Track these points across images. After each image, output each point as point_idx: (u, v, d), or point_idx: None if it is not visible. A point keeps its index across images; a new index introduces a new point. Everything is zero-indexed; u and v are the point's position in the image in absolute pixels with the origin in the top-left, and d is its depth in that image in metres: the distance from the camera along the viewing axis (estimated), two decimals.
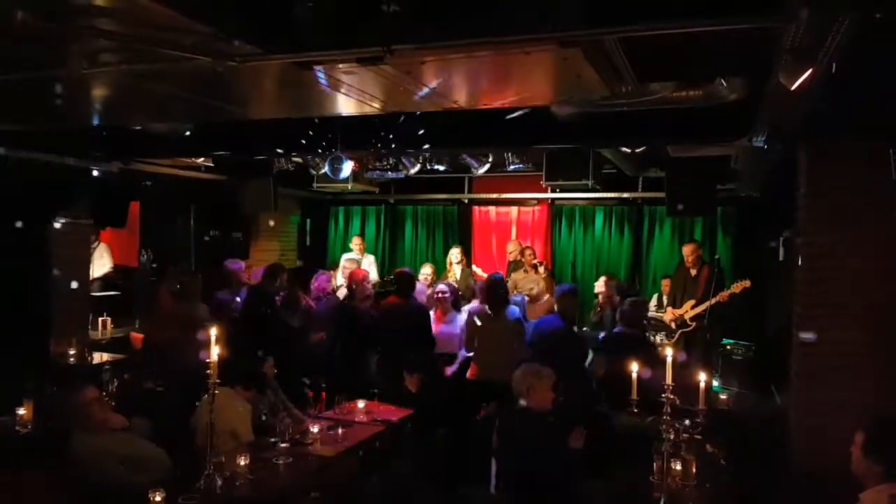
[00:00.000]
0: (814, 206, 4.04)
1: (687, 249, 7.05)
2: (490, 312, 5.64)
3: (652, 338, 6.52)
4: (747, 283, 6.47)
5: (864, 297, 3.89)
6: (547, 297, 6.69)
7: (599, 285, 7.08)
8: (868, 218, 3.90)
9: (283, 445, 3.84)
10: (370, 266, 8.53)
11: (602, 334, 6.10)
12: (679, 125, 4.42)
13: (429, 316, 6.19)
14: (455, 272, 8.00)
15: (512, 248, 8.28)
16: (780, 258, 6.11)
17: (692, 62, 3.30)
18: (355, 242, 8.76)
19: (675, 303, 6.93)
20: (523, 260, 7.84)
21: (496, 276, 6.00)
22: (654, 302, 7.38)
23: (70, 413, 3.67)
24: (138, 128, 5.59)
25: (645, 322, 6.01)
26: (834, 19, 2.17)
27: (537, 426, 3.92)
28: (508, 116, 4.41)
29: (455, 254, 8.16)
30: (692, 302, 6.72)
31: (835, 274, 3.95)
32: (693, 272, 6.89)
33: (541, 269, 7.75)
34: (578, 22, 2.47)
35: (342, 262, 8.29)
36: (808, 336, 4.00)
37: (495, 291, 5.65)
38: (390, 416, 4.71)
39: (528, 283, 6.99)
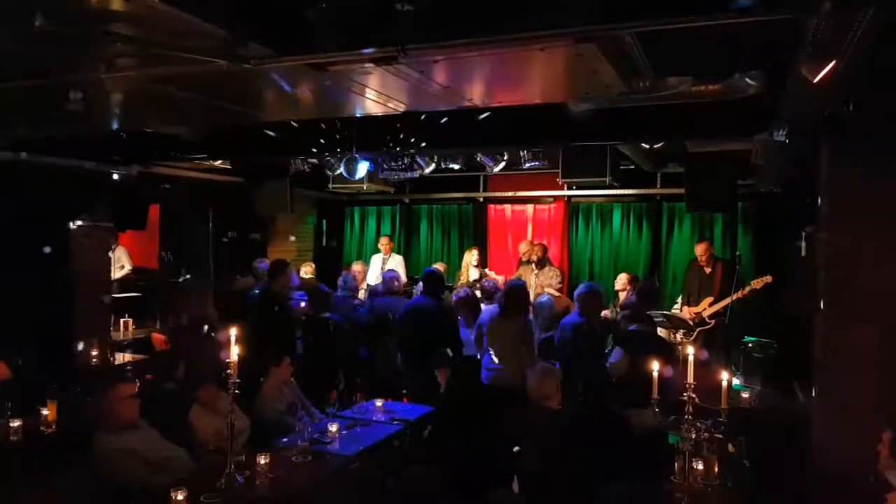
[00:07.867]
0: (836, 202, 3.94)
1: (699, 248, 6.99)
2: (503, 315, 5.61)
3: (672, 336, 6.46)
4: (769, 279, 6.36)
5: (889, 295, 3.80)
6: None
7: (620, 283, 7.08)
8: (892, 214, 3.81)
9: (303, 444, 3.86)
10: (398, 266, 8.56)
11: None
12: (698, 120, 4.36)
13: (456, 318, 6.12)
14: (471, 275, 7.99)
15: (525, 249, 8.22)
16: (802, 254, 6.01)
17: (711, 56, 3.24)
18: (383, 243, 8.84)
19: (691, 301, 6.87)
20: (535, 258, 7.79)
21: (516, 283, 5.98)
22: (680, 300, 7.29)
23: (99, 409, 3.69)
24: (156, 131, 5.65)
25: (657, 320, 5.94)
26: (857, 11, 2.12)
27: (553, 426, 3.90)
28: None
29: (471, 257, 8.14)
30: (710, 300, 6.66)
31: (858, 271, 3.86)
32: (707, 270, 6.84)
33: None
34: (594, 17, 2.43)
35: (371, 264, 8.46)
36: None
37: (515, 297, 5.63)
38: (409, 415, 4.71)
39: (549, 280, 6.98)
